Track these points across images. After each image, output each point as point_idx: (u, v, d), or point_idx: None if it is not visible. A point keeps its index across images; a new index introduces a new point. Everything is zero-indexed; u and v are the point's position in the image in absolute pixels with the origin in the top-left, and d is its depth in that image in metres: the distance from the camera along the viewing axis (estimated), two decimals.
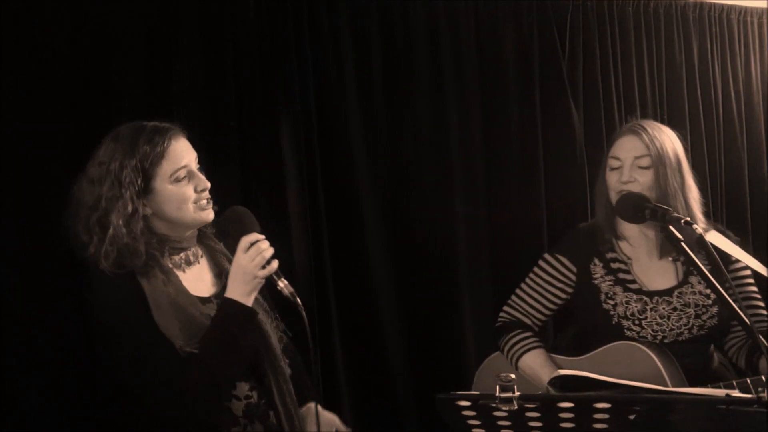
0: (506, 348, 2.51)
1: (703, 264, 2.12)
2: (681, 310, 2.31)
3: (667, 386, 2.09)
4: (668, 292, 2.34)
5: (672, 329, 2.30)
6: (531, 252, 2.94)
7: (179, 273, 1.93)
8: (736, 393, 1.58)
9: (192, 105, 2.66)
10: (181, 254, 1.96)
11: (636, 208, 2.23)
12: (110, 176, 1.83)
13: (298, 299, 1.86)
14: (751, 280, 2.39)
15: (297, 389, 2.04)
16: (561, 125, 3.34)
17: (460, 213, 3.16)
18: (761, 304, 2.40)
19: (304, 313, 1.85)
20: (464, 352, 3.11)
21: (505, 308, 2.60)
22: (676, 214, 2.11)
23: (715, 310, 2.31)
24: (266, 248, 1.88)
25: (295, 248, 2.79)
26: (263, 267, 1.87)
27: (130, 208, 1.82)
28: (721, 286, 1.92)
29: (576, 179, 3.35)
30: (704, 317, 2.30)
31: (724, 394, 1.53)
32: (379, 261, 3.02)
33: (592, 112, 3.44)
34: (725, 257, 2.27)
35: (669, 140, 2.38)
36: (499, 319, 2.60)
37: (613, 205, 2.38)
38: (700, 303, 2.32)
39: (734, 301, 2.00)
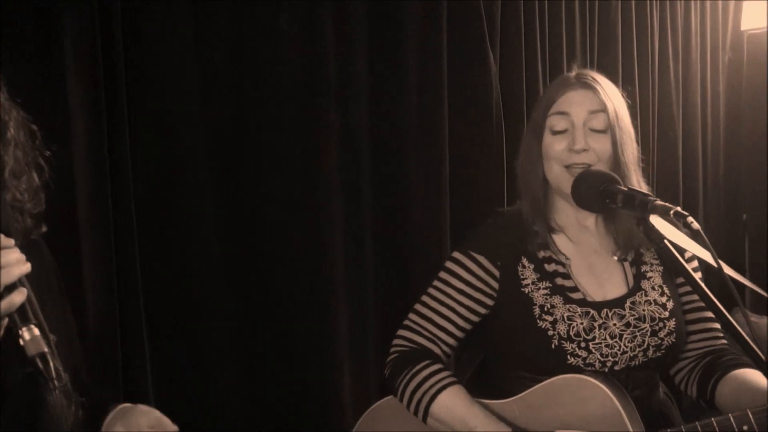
0: (410, 387, 1.88)
1: (654, 263, 1.93)
2: (635, 326, 1.85)
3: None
4: (619, 302, 1.87)
5: (624, 352, 1.83)
6: (429, 243, 2.47)
7: None
8: None
9: None
10: None
11: (604, 192, 1.74)
12: None
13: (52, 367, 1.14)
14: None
15: None
16: (474, 79, 2.63)
17: (335, 192, 2.38)
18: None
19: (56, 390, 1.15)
20: (334, 387, 2.39)
21: (402, 333, 1.98)
22: (662, 202, 1.62)
23: (673, 324, 1.87)
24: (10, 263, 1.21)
25: (82, 229, 1.95)
26: None
27: None
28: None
29: (491, 152, 2.66)
30: (661, 334, 1.86)
31: None
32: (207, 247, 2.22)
33: (510, 64, 2.75)
34: (679, 252, 1.80)
35: (620, 99, 1.93)
36: (394, 350, 1.98)
37: (554, 183, 1.90)
38: (656, 316, 1.87)
39: (692, 310, 1.89)
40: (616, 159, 1.85)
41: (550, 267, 1.89)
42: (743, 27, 3.87)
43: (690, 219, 1.52)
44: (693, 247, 1.84)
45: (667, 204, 1.60)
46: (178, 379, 2.17)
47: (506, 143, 2.64)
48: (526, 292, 1.86)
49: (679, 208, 1.55)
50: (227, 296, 2.24)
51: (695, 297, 1.98)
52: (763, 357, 1.47)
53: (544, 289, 1.86)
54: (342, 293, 2.38)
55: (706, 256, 1.90)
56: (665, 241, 1.60)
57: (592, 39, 3.08)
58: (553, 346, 1.80)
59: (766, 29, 3.83)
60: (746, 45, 3.89)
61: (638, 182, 1.89)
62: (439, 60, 2.52)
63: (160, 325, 2.12)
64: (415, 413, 1.86)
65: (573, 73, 1.96)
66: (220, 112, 2.19)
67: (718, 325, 1.99)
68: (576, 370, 1.79)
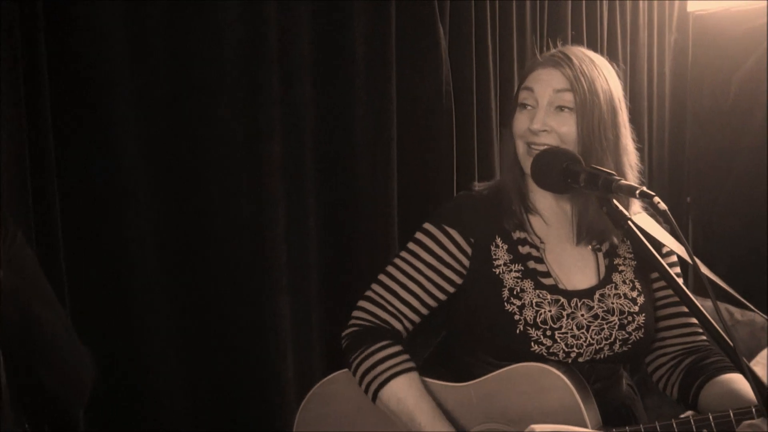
0: (363, 367, 1.78)
1: (628, 257, 1.83)
2: (603, 319, 1.75)
3: (585, 426, 1.64)
4: (589, 293, 1.78)
5: (590, 344, 1.74)
6: (376, 227, 2.32)
7: None
8: None
9: None
10: None
11: (565, 172, 1.63)
12: None
13: None
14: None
15: None
16: (424, 55, 2.48)
17: (276, 173, 2.20)
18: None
19: None
20: (276, 376, 2.22)
21: (363, 304, 1.86)
22: (626, 182, 1.52)
23: (642, 319, 1.78)
24: None
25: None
26: None
27: None
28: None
29: (442, 130, 2.52)
30: (629, 328, 1.77)
31: None
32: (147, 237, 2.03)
33: (460, 40, 2.61)
34: (657, 246, 1.75)
35: (602, 78, 1.76)
36: (353, 322, 1.86)
37: (520, 161, 1.80)
38: (626, 309, 1.77)
39: (668, 305, 1.84)
40: (582, 142, 1.72)
41: (524, 249, 1.80)
42: (689, 8, 3.83)
43: (656, 199, 1.43)
44: (671, 243, 1.80)
45: (632, 184, 1.51)
46: (113, 376, 1.99)
47: (456, 122, 2.52)
48: (497, 273, 1.77)
49: (644, 188, 1.46)
50: (162, 284, 2.06)
51: (671, 292, 1.87)
52: (731, 344, 1.39)
53: (515, 271, 1.77)
54: (284, 279, 2.22)
55: (681, 250, 1.83)
56: (629, 222, 1.50)
57: (542, 18, 2.97)
58: (517, 332, 1.71)
59: (711, 10, 3.81)
60: (692, 26, 3.85)
61: (615, 169, 1.72)
62: (387, 35, 2.36)
63: (89, 323, 1.93)
64: (365, 392, 1.76)
65: (549, 53, 1.83)
66: (153, 89, 2.00)
67: (696, 320, 1.90)
68: (539, 358, 1.71)
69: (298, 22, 2.21)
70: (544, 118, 1.73)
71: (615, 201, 1.54)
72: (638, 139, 3.46)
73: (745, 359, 1.36)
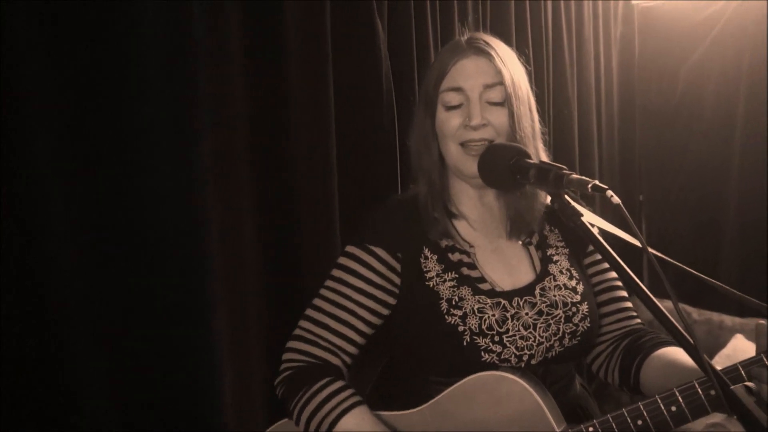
0: (307, 411, 1.63)
1: (560, 245, 1.81)
2: (548, 314, 1.69)
3: (551, 428, 1.56)
4: (529, 289, 1.72)
5: (540, 343, 1.67)
6: (316, 230, 2.15)
7: None
8: None
9: None
10: None
11: (514, 168, 1.56)
12: None
13: None
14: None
15: None
16: (361, 48, 2.33)
17: (209, 177, 2.01)
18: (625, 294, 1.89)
19: None
20: (214, 388, 2.01)
21: (294, 345, 1.72)
22: (578, 176, 1.45)
23: (586, 308, 1.72)
24: None
25: None
26: None
27: None
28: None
29: (382, 127, 2.37)
30: (575, 319, 1.71)
31: None
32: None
33: (400, 32, 2.47)
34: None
35: (517, 64, 1.77)
36: (286, 366, 1.72)
37: (452, 164, 1.74)
38: (568, 300, 1.72)
39: (602, 291, 1.81)
40: (515, 132, 1.70)
41: (455, 256, 1.72)
42: (633, 0, 3.77)
43: (609, 193, 1.36)
44: (612, 228, 1.74)
45: (583, 177, 1.43)
46: (35, 387, 1.80)
47: (398, 118, 2.38)
48: (431, 285, 1.68)
49: (596, 182, 1.39)
50: (90, 296, 1.85)
51: (606, 277, 1.87)
52: (691, 340, 1.30)
53: (450, 281, 1.68)
54: (220, 287, 2.03)
55: (625, 236, 1.75)
56: (581, 219, 1.43)
57: (485, 13, 2.85)
58: (465, 343, 1.61)
59: (656, 2, 3.75)
60: (637, 19, 3.79)
61: (536, 156, 1.73)
62: (322, 27, 2.21)
63: (12, 332, 1.75)
64: None
65: (464, 38, 1.76)
66: (72, 86, 1.81)
67: (630, 304, 1.88)
68: (491, 367, 1.63)
69: (225, 19, 2.04)
70: (481, 112, 1.66)
71: (566, 196, 1.46)
72: (588, 137, 3.41)
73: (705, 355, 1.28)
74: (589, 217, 1.69)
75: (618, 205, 1.34)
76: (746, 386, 1.42)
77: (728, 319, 3.17)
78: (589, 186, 1.37)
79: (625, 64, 3.76)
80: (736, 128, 3.45)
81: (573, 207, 1.44)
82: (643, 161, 3.91)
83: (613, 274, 1.86)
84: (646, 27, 3.78)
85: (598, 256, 1.86)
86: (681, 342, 1.32)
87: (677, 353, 1.66)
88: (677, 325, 1.32)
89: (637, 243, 1.73)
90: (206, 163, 2.01)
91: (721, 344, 3.02)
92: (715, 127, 3.59)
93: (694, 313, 3.16)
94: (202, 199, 2.01)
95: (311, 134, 2.22)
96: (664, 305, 1.37)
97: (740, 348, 2.89)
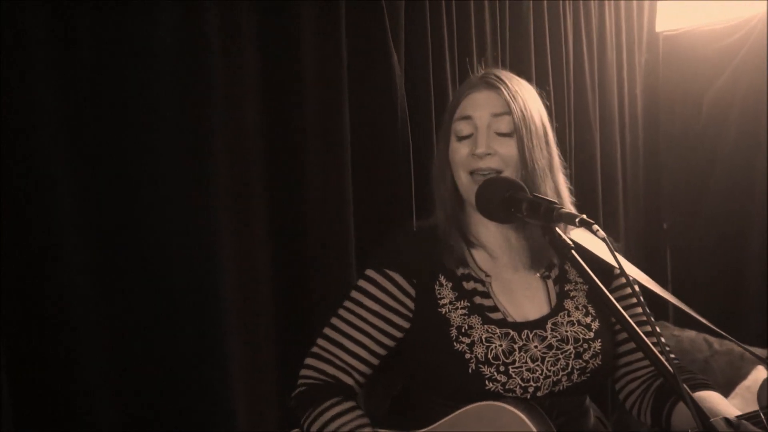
0: (314, 428, 1.72)
1: (579, 281, 1.82)
2: (558, 348, 1.71)
3: None
4: (541, 323, 1.75)
5: (547, 377, 1.69)
6: (330, 255, 2.18)
7: None
8: None
9: None
10: None
11: (508, 201, 1.62)
12: None
13: None
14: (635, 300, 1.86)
15: None
16: (377, 81, 2.38)
17: (225, 201, 2.07)
18: (657, 329, 1.78)
19: None
20: (226, 407, 2.05)
21: (310, 362, 1.81)
22: (567, 210, 1.53)
23: (598, 345, 1.74)
24: None
25: None
26: None
27: None
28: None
29: (398, 157, 2.41)
30: (586, 356, 1.73)
31: None
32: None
33: (417, 67, 2.51)
34: (607, 270, 1.81)
35: (532, 99, 1.82)
36: (301, 381, 1.80)
37: (462, 192, 1.79)
38: (580, 336, 1.74)
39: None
40: (525, 164, 1.72)
41: (469, 285, 1.77)
42: (658, 28, 3.77)
43: (596, 227, 1.41)
44: (628, 266, 1.74)
45: (572, 212, 1.51)
46: (43, 392, 1.85)
47: (413, 149, 2.42)
48: (443, 312, 1.73)
49: (584, 216, 1.45)
50: (99, 311, 1.90)
51: (632, 312, 1.86)
52: (671, 370, 1.33)
53: (461, 308, 1.73)
54: (234, 308, 2.07)
55: (636, 271, 1.77)
56: (572, 251, 1.48)
57: (504, 40, 2.89)
58: (470, 371, 1.66)
59: (680, 30, 3.75)
60: (662, 47, 3.79)
61: (555, 189, 1.79)
62: (339, 58, 2.26)
63: (18, 336, 1.80)
64: None
65: (480, 74, 1.84)
66: (86, 116, 1.87)
67: (663, 340, 1.81)
68: (495, 396, 1.67)
69: (241, 47, 2.10)
70: (487, 141, 1.71)
71: (558, 229, 1.51)
72: (611, 164, 3.40)
73: (686, 387, 1.32)
74: (589, 242, 1.72)
75: (604, 238, 1.39)
76: (726, 419, 1.44)
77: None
78: (577, 220, 1.42)
79: (649, 91, 3.76)
80: (759, 155, 3.43)
81: (564, 240, 1.49)
82: (668, 189, 3.88)
83: (640, 310, 1.87)
84: (671, 54, 3.77)
85: (625, 292, 1.88)
86: (664, 374, 1.35)
87: (711, 398, 1.67)
88: (660, 357, 1.35)
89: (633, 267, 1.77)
90: (222, 181, 2.06)
91: (743, 375, 2.99)
92: (740, 151, 3.56)
93: (716, 343, 3.13)
94: (216, 218, 2.04)
95: (327, 158, 2.26)
96: (686, 335, 1.38)
97: (761, 379, 2.86)
